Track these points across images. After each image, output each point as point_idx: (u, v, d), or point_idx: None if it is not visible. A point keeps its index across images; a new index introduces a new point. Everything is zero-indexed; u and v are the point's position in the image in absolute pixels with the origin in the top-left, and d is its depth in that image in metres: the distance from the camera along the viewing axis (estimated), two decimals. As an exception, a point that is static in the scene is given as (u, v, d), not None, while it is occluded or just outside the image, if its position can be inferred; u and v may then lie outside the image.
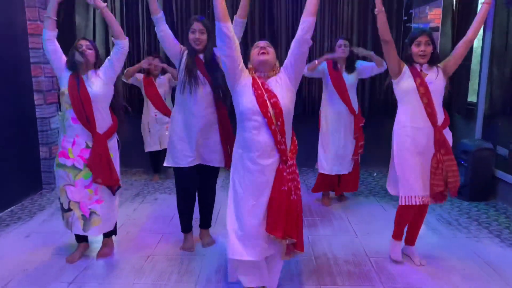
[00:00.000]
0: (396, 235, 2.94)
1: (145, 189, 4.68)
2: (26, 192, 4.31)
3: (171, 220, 3.69)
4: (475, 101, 4.65)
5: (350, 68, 3.87)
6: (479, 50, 4.66)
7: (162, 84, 4.78)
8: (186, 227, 3.14)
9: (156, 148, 4.82)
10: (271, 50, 2.27)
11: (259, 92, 2.18)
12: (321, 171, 4.03)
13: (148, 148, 4.87)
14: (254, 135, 2.19)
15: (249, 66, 2.32)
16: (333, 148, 3.95)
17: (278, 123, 2.17)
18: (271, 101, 2.18)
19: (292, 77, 2.26)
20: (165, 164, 3.04)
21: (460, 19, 4.87)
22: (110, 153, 2.83)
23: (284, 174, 2.20)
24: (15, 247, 3.18)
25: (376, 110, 5.28)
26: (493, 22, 4.39)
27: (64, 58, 2.80)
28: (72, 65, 2.75)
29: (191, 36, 2.86)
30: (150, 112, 4.77)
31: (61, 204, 2.86)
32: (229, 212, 2.29)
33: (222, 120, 2.97)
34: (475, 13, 4.71)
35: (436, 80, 2.70)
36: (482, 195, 4.23)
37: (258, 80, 2.24)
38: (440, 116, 2.72)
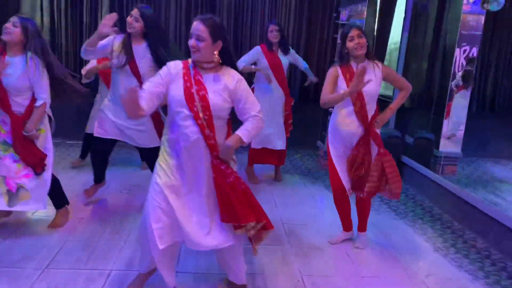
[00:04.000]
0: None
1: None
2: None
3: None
4: (391, 94, 5.24)
5: (285, 50, 4.17)
6: (398, 48, 5.23)
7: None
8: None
9: None
10: (203, 45, 2.06)
11: (188, 84, 2.10)
12: (252, 146, 4.33)
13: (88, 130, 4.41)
14: (182, 128, 2.11)
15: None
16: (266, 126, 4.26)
17: (206, 117, 2.10)
18: (199, 94, 2.10)
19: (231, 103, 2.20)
20: None
21: (383, 15, 5.41)
22: (40, 129, 2.88)
23: (222, 168, 2.13)
24: None
25: (306, 96, 5.76)
26: (409, 25, 4.96)
27: None
28: None
29: (127, 19, 3.16)
30: (103, 93, 4.28)
31: None
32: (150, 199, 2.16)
33: None
34: (393, 10, 5.26)
35: (372, 82, 2.74)
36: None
37: (191, 70, 2.15)
38: (370, 115, 2.86)
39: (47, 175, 2.92)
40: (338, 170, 2.97)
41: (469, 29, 4.28)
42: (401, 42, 5.09)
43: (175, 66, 2.17)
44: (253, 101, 2.19)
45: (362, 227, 3.19)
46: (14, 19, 2.75)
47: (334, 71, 2.90)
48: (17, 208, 2.85)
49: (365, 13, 5.26)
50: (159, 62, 3.11)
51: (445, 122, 4.44)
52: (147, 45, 3.16)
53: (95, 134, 3.30)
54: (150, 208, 2.13)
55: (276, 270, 2.74)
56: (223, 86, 2.14)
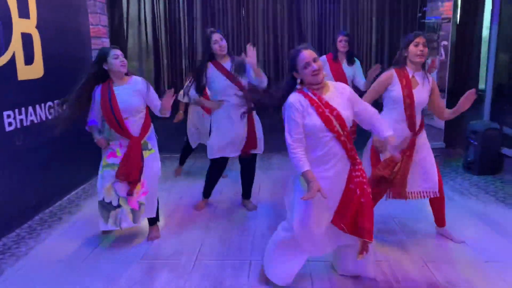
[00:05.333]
0: None
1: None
2: (91, 174, 5.00)
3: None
4: (483, 87, 5.21)
5: (351, 61, 4.32)
6: (487, 39, 5.20)
7: None
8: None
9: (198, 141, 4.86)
10: (321, 64, 2.31)
11: (320, 110, 2.26)
12: None
13: (195, 144, 4.89)
14: (326, 150, 2.29)
15: (298, 86, 2.38)
16: None
17: (345, 133, 2.29)
18: (333, 114, 2.27)
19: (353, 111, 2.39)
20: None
21: (466, 10, 5.40)
22: (151, 150, 3.16)
23: (353, 174, 2.34)
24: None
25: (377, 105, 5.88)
26: (499, 15, 4.93)
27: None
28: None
29: (213, 46, 3.51)
30: (197, 110, 4.72)
31: (107, 203, 3.05)
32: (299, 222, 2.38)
33: None
34: (482, 5, 5.23)
35: (423, 92, 2.90)
36: (490, 170, 4.79)
37: (313, 96, 2.30)
38: (418, 123, 2.95)
39: (157, 189, 3.24)
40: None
41: None
42: (490, 33, 5.06)
43: (297, 101, 2.29)
44: (362, 100, 2.46)
45: (441, 222, 3.22)
46: (119, 51, 3.03)
47: (389, 77, 2.94)
48: (139, 223, 3.16)
49: (442, 8, 5.29)
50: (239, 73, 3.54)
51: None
52: (231, 60, 3.59)
53: (214, 157, 3.69)
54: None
55: (399, 257, 2.93)
56: (344, 99, 2.34)
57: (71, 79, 4.52)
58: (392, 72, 2.95)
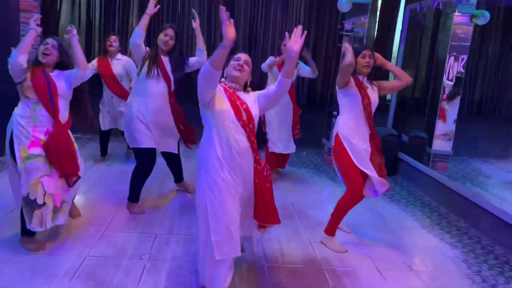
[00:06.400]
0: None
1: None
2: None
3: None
4: (390, 98, 5.85)
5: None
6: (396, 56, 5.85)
7: (118, 64, 4.70)
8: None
9: (112, 126, 4.89)
10: (247, 68, 2.45)
11: (232, 99, 2.38)
12: (272, 151, 4.73)
13: (103, 127, 4.87)
14: (233, 141, 2.34)
15: (225, 75, 2.48)
16: (279, 133, 4.70)
17: (250, 125, 2.40)
18: (243, 107, 2.39)
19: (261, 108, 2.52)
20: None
21: (383, 27, 6.03)
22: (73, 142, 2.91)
23: (265, 174, 2.48)
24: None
25: (313, 103, 6.37)
26: (405, 37, 5.58)
27: None
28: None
29: (162, 37, 3.54)
30: (106, 93, 4.79)
31: (32, 201, 2.66)
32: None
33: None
34: (394, 25, 5.86)
35: (373, 94, 3.18)
36: (387, 171, 5.39)
37: (229, 89, 2.43)
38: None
39: (77, 184, 3.00)
40: (359, 166, 3.16)
41: (458, 40, 4.88)
42: (398, 51, 5.71)
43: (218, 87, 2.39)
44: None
45: None
46: (51, 40, 2.83)
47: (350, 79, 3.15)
48: (57, 222, 2.84)
49: (367, 24, 5.87)
50: (175, 73, 3.61)
51: (439, 121, 5.04)
52: (169, 59, 3.61)
53: (141, 146, 3.50)
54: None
55: (289, 237, 3.34)
56: (253, 100, 2.48)
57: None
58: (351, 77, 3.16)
